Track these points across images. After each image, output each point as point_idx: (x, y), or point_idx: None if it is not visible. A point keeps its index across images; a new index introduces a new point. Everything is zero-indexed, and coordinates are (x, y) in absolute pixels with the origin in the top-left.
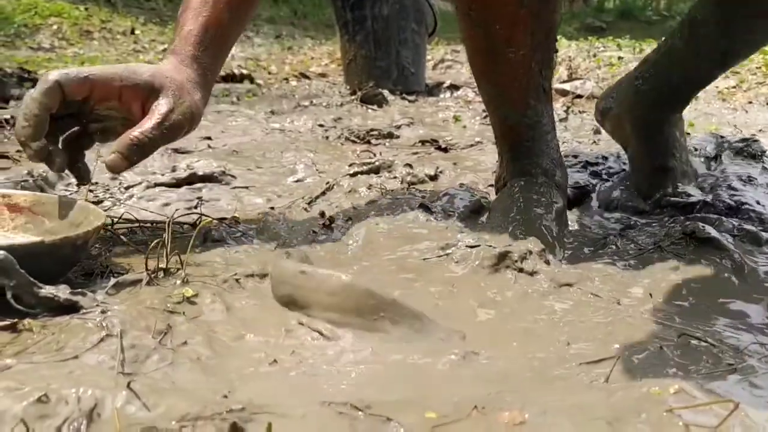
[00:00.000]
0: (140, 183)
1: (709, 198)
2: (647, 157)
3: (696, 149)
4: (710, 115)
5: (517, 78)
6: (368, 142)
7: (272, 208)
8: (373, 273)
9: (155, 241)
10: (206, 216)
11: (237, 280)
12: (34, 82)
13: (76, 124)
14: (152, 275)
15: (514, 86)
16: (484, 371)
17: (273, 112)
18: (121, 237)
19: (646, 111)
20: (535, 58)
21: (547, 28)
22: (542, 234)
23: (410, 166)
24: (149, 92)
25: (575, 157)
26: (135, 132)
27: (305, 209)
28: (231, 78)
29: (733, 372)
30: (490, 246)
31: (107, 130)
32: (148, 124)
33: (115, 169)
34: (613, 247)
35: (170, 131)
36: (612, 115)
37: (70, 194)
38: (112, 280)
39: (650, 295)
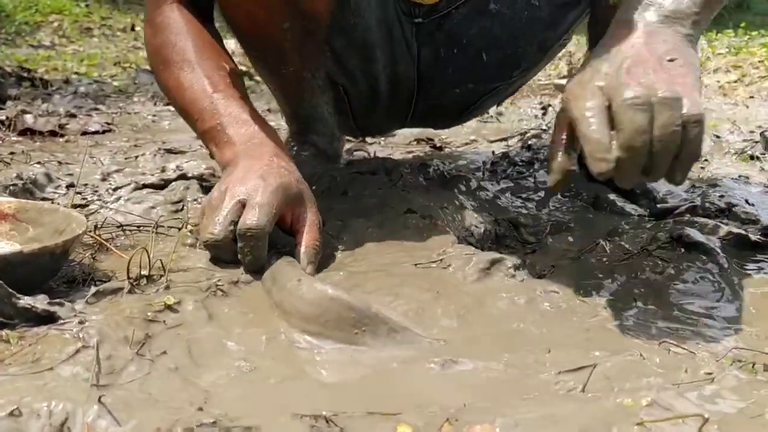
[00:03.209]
0: (128, 184)
1: (698, 201)
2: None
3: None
4: (709, 110)
5: None
6: (363, 140)
7: None
8: (361, 279)
9: (137, 248)
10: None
11: (220, 286)
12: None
13: None
14: (133, 283)
15: None
16: (462, 380)
17: (269, 110)
18: (105, 243)
19: None
20: None
21: None
22: None
23: (404, 165)
24: (298, 203)
25: None
26: (313, 241)
27: None
28: None
29: (711, 382)
30: (480, 251)
31: None
32: (315, 229)
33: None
34: (601, 251)
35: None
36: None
37: (59, 197)
38: (93, 289)
39: (635, 300)
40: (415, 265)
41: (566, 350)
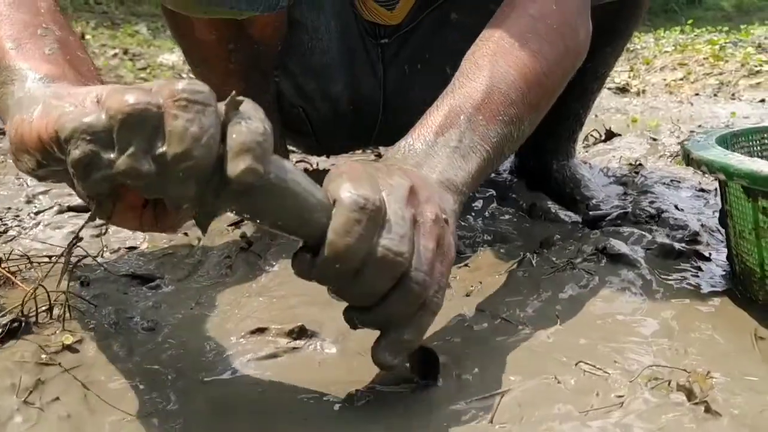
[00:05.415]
0: (52, 207)
1: (629, 207)
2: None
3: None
4: (656, 108)
5: None
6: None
7: (186, 234)
8: (283, 303)
9: (33, 287)
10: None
11: (128, 321)
12: None
13: None
14: (27, 322)
15: None
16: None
17: None
18: (10, 276)
19: (535, 161)
20: None
21: None
22: None
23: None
24: None
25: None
26: None
27: (228, 231)
28: None
29: (620, 406)
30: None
31: None
32: None
33: None
34: (528, 265)
35: None
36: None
37: None
38: None
39: (557, 316)
40: None
41: (481, 375)
